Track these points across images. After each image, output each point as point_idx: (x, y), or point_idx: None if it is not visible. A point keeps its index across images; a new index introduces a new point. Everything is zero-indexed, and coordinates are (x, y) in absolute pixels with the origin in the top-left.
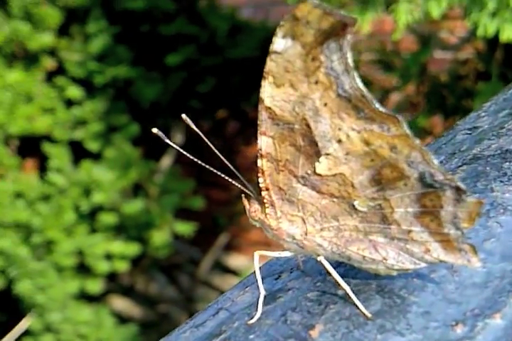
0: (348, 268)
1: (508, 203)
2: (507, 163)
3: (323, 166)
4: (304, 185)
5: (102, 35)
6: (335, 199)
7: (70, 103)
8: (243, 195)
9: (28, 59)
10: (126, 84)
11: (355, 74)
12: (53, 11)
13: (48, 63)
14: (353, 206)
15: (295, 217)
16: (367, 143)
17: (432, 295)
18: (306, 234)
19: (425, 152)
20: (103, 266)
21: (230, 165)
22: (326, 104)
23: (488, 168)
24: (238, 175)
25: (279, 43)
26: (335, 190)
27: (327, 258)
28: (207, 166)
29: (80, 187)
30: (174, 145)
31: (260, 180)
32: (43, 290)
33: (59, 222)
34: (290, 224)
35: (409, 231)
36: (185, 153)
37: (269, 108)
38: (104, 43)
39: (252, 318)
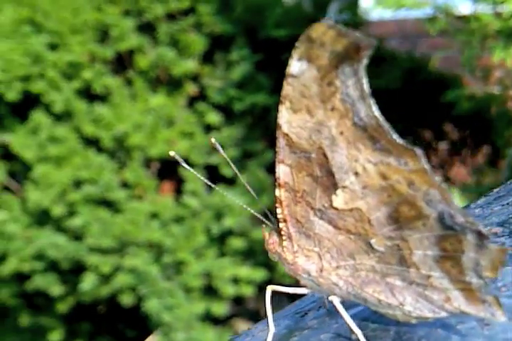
0: (373, 311)
1: None
2: None
3: (340, 200)
4: (321, 218)
5: (244, 62)
6: (351, 236)
7: (208, 128)
8: (263, 226)
9: (172, 84)
10: (264, 112)
11: (372, 101)
12: (198, 38)
13: (191, 89)
14: (370, 244)
15: (311, 252)
16: (384, 177)
17: None
18: (321, 270)
19: (444, 190)
20: (230, 290)
21: (253, 192)
22: (342, 133)
23: None
24: (259, 202)
25: (294, 66)
26: (352, 226)
27: (343, 299)
28: (225, 193)
29: (212, 211)
30: (191, 169)
31: (278, 210)
32: (170, 310)
33: (190, 243)
34: (306, 259)
35: (429, 277)
36: (202, 178)
37: (287, 134)
38: (245, 71)
39: None
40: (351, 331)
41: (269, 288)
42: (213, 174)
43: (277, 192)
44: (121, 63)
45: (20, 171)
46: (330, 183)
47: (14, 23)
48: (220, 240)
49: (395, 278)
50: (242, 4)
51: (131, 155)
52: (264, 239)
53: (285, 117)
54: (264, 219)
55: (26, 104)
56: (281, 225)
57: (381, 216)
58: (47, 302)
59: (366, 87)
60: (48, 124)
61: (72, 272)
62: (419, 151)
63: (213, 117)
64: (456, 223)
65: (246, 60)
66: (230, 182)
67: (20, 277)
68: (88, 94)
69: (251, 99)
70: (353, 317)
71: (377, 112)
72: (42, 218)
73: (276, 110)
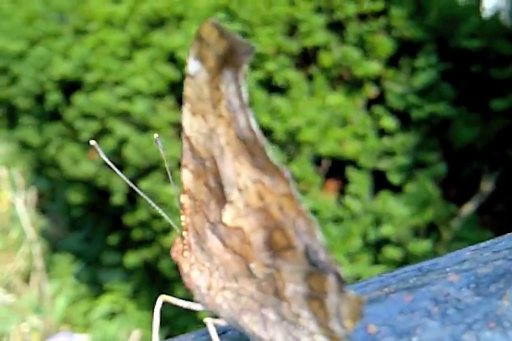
0: None
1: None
2: None
3: (227, 215)
4: (213, 232)
5: (430, 70)
6: (236, 257)
7: (382, 132)
8: (177, 233)
9: (352, 84)
10: (443, 123)
11: (249, 112)
12: (386, 41)
13: (370, 91)
14: (250, 269)
15: (204, 267)
16: (260, 197)
17: None
18: (209, 289)
19: (309, 221)
20: None
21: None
22: (228, 143)
23: None
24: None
25: (191, 65)
26: (237, 246)
27: (227, 323)
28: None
29: (372, 216)
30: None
31: (182, 217)
32: None
33: (345, 246)
34: (199, 273)
35: (298, 315)
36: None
37: (188, 138)
38: (429, 78)
39: None
40: None
41: (161, 298)
42: (380, 180)
43: (182, 198)
44: (306, 58)
45: None
46: (221, 196)
47: (211, 8)
48: (375, 247)
49: (269, 310)
50: (436, 11)
51: (300, 149)
52: (172, 245)
53: (187, 119)
54: (175, 226)
55: None
56: (184, 234)
57: (259, 239)
58: None
59: (244, 95)
60: None
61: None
62: (287, 174)
63: (389, 122)
64: (319, 260)
65: (432, 68)
66: (396, 189)
67: None
68: (269, 86)
69: (431, 108)
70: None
71: (254, 125)
72: None
73: (450, 122)
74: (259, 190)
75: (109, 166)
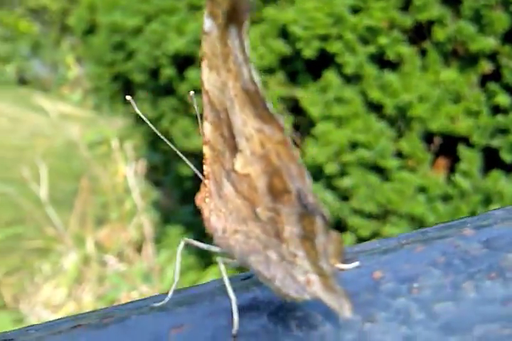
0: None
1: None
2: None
3: (238, 163)
4: (228, 180)
5: None
6: (246, 202)
7: (496, 109)
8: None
9: (466, 60)
10: None
11: (251, 66)
12: (503, 16)
13: (486, 67)
14: (256, 213)
15: (220, 212)
16: (262, 145)
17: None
18: (224, 232)
19: (300, 166)
20: None
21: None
22: (236, 95)
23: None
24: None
25: (206, 23)
26: (246, 192)
27: (242, 264)
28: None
29: (481, 195)
30: (144, 117)
31: (204, 167)
32: None
33: None
34: (217, 218)
35: (295, 255)
36: (153, 127)
37: (207, 91)
38: None
39: None
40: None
41: (184, 241)
42: (491, 158)
43: (204, 149)
44: (419, 33)
45: (305, 126)
46: (234, 146)
47: None
48: None
49: (272, 251)
50: None
51: (411, 125)
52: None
53: (205, 74)
54: (199, 174)
55: (321, 63)
56: (206, 182)
57: (263, 185)
58: None
59: (247, 50)
60: (337, 85)
61: (334, 229)
62: (281, 122)
63: (504, 99)
64: (309, 203)
65: None
66: (508, 168)
67: None
68: (380, 60)
69: None
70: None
71: (256, 77)
72: (316, 173)
73: None
74: (260, 138)
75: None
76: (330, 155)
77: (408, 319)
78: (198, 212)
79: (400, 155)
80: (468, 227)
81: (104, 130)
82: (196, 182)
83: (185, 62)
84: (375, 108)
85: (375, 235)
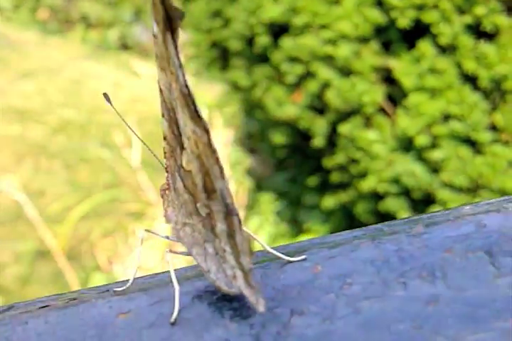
0: None
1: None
2: None
3: (184, 159)
4: (179, 175)
5: None
6: (190, 197)
7: None
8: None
9: None
10: None
11: (184, 70)
12: None
13: None
14: (197, 208)
15: (175, 205)
16: (196, 145)
17: None
18: (176, 224)
19: (222, 168)
20: None
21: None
22: (177, 97)
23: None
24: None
25: (154, 27)
26: (190, 187)
27: (189, 255)
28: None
29: None
30: (119, 114)
31: (164, 161)
32: None
33: None
34: (172, 210)
35: (224, 250)
36: (130, 128)
37: (161, 90)
38: None
39: None
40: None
41: (143, 231)
42: None
43: (163, 144)
44: None
45: (397, 96)
46: (181, 143)
47: None
48: None
49: (209, 244)
50: None
51: (506, 98)
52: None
53: (158, 74)
54: (161, 162)
55: (416, 33)
56: (166, 175)
57: (200, 182)
58: None
59: (180, 55)
60: (431, 55)
61: (421, 202)
62: (207, 125)
63: None
64: (227, 203)
65: None
66: None
67: (377, 196)
68: (476, 31)
69: None
70: None
71: (188, 82)
72: (406, 145)
73: None
74: (195, 139)
75: (312, 109)
76: (421, 127)
77: (333, 314)
78: (291, 180)
79: (493, 128)
80: (421, 224)
81: (202, 96)
82: (289, 151)
83: (281, 30)
84: (470, 79)
85: None
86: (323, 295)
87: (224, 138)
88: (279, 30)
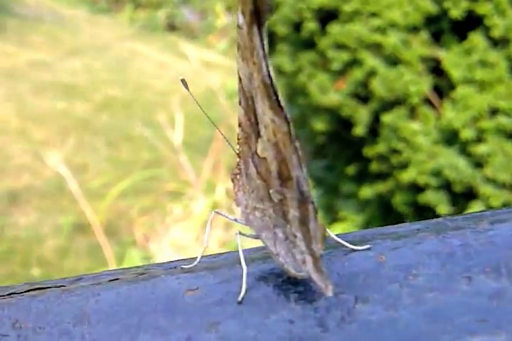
0: None
1: None
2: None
3: (259, 147)
4: (253, 161)
5: None
6: (263, 183)
7: None
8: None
9: None
10: None
11: (269, 62)
12: None
13: None
14: (269, 194)
15: (246, 190)
16: (274, 134)
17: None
18: (246, 207)
19: (301, 157)
20: None
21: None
22: (258, 86)
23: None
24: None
25: (239, 18)
26: (263, 174)
27: (257, 238)
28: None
29: None
30: (194, 98)
31: (237, 146)
32: None
33: None
34: (242, 194)
35: (295, 236)
36: (206, 114)
37: (240, 79)
38: None
39: None
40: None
41: (213, 212)
42: None
43: (238, 130)
44: None
45: (444, 88)
46: (258, 131)
47: None
48: None
49: (279, 229)
50: None
51: None
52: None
53: (239, 63)
54: (233, 148)
55: (468, 24)
56: (237, 160)
57: (274, 169)
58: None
59: (266, 47)
60: (482, 47)
61: (462, 196)
62: (288, 115)
63: None
64: (303, 190)
65: None
66: None
67: (416, 188)
68: None
69: None
70: None
71: (271, 73)
72: (450, 137)
73: None
74: (273, 128)
75: (355, 97)
76: (467, 120)
77: (397, 303)
78: (329, 167)
79: None
80: (486, 222)
81: None
82: (328, 139)
83: (329, 16)
84: None
85: (506, 205)
86: (387, 284)
87: None
88: (327, 16)
